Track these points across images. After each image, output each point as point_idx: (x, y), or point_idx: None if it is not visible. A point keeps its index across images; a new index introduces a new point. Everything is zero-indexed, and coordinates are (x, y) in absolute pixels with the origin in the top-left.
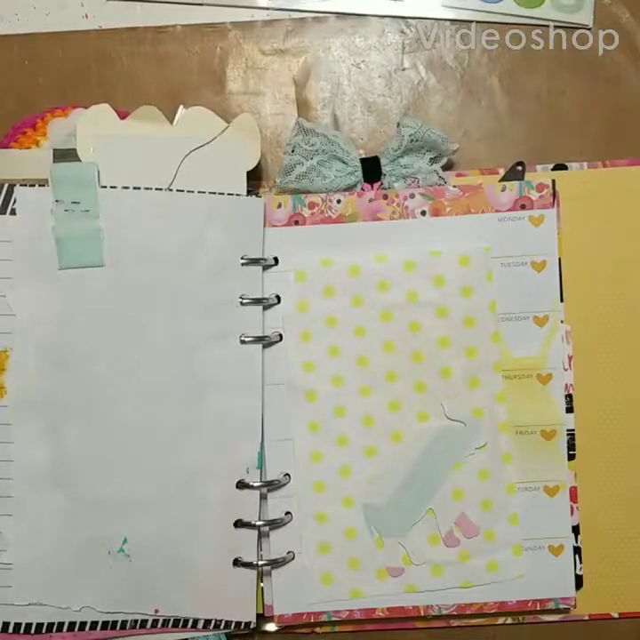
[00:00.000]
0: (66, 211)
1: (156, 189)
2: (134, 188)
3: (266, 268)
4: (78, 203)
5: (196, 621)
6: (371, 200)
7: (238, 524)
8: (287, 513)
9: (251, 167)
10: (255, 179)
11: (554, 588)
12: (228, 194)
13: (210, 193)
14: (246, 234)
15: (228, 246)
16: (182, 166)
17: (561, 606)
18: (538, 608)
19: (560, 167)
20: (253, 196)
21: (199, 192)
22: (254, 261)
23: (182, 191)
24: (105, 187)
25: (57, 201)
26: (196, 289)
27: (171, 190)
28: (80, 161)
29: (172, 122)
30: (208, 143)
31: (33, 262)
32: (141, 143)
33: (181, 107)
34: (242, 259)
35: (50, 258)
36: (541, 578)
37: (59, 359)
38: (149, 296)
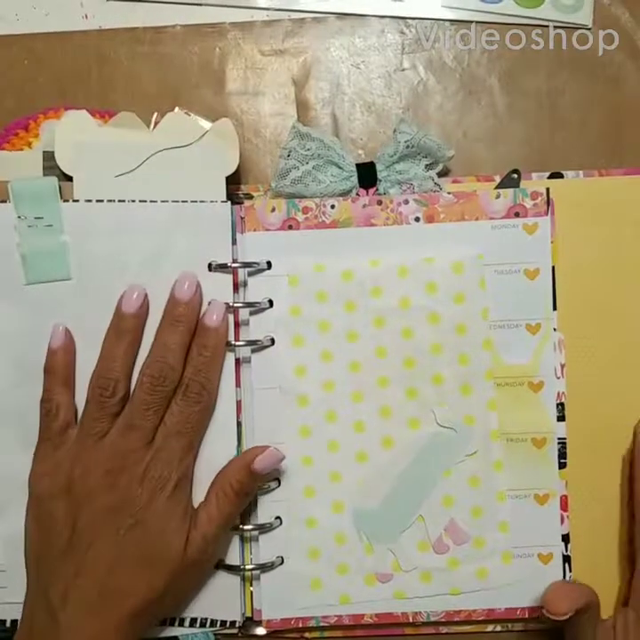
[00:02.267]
0: (29, 226)
1: (119, 201)
2: (97, 201)
3: (258, 271)
4: (41, 218)
5: (182, 619)
6: (365, 205)
7: None
8: (277, 517)
9: (230, 172)
10: (249, 182)
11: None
12: (193, 201)
13: (173, 201)
14: (213, 240)
15: (195, 253)
16: (164, 174)
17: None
18: (527, 616)
19: (556, 175)
20: (218, 202)
21: (162, 201)
22: (223, 267)
23: (145, 201)
24: (77, 200)
25: (19, 217)
26: (164, 297)
27: (133, 201)
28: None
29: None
30: (184, 147)
31: None
32: (120, 149)
33: (156, 114)
34: (210, 265)
35: (15, 273)
36: (530, 585)
37: (32, 373)
38: None
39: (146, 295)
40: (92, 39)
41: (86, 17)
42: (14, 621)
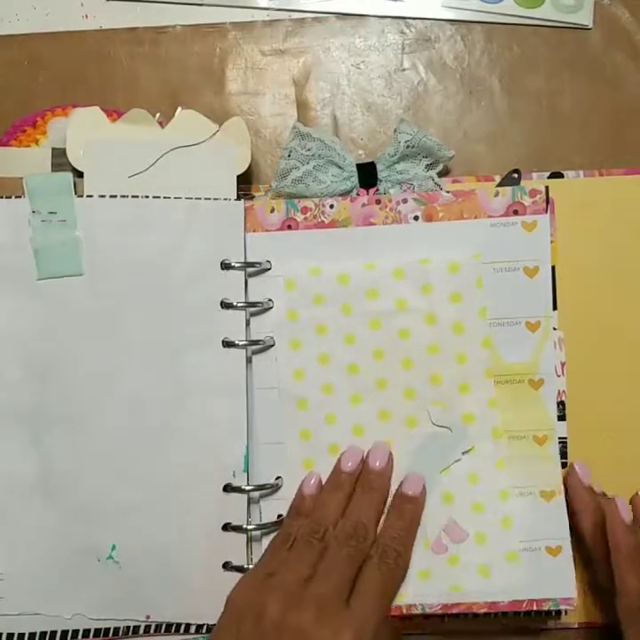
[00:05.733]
0: (43, 221)
1: (133, 197)
2: (111, 197)
3: (260, 272)
4: (55, 213)
5: (188, 625)
6: (364, 205)
7: (227, 527)
8: (279, 516)
9: (241, 171)
10: (254, 182)
11: (553, 588)
12: (206, 198)
13: (186, 198)
14: (226, 238)
15: (208, 251)
16: (175, 172)
17: (561, 607)
18: (534, 608)
19: (556, 175)
20: (232, 200)
21: (176, 198)
22: (235, 265)
23: (159, 197)
24: (91, 196)
25: (33, 212)
26: (176, 294)
27: (147, 197)
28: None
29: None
30: (195, 145)
31: (11, 273)
32: (131, 146)
33: (158, 114)
34: (222, 263)
35: (28, 268)
36: (540, 578)
37: (41, 369)
38: (130, 303)
39: (362, 458)
40: (91, 39)
41: (86, 17)
42: (10, 635)
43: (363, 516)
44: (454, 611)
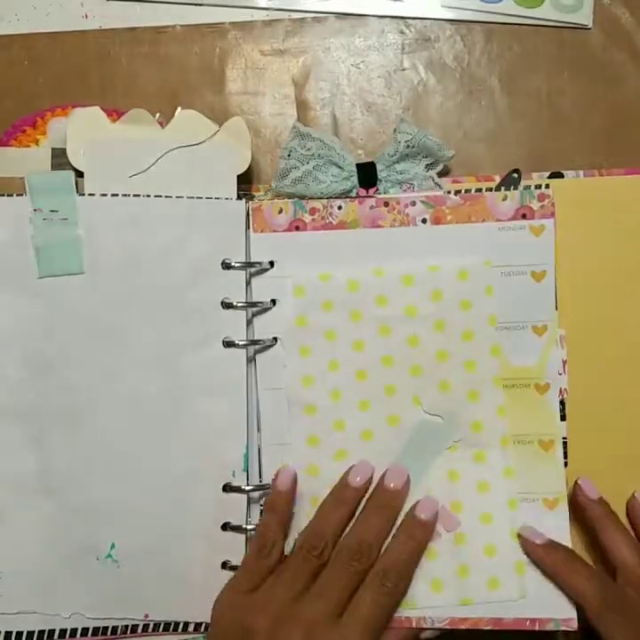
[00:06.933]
0: (44, 219)
1: (134, 196)
2: (112, 195)
3: (262, 271)
4: (57, 211)
5: (186, 624)
6: (372, 207)
7: (226, 527)
8: None
9: (241, 171)
10: (254, 182)
11: (555, 607)
12: (207, 197)
13: (188, 197)
14: (227, 237)
15: (209, 250)
16: (175, 171)
17: (562, 628)
18: (537, 628)
19: (556, 175)
20: (233, 200)
21: (177, 197)
22: (236, 265)
23: (160, 196)
24: (93, 194)
25: (35, 210)
26: (177, 293)
27: (148, 196)
28: (70, 163)
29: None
30: (196, 145)
31: (12, 271)
32: (131, 146)
33: (158, 114)
34: (223, 262)
35: (29, 266)
36: (542, 596)
37: (41, 367)
38: (130, 301)
39: (372, 475)
40: (91, 39)
41: (86, 17)
42: (8, 633)
43: (370, 535)
44: (461, 626)
